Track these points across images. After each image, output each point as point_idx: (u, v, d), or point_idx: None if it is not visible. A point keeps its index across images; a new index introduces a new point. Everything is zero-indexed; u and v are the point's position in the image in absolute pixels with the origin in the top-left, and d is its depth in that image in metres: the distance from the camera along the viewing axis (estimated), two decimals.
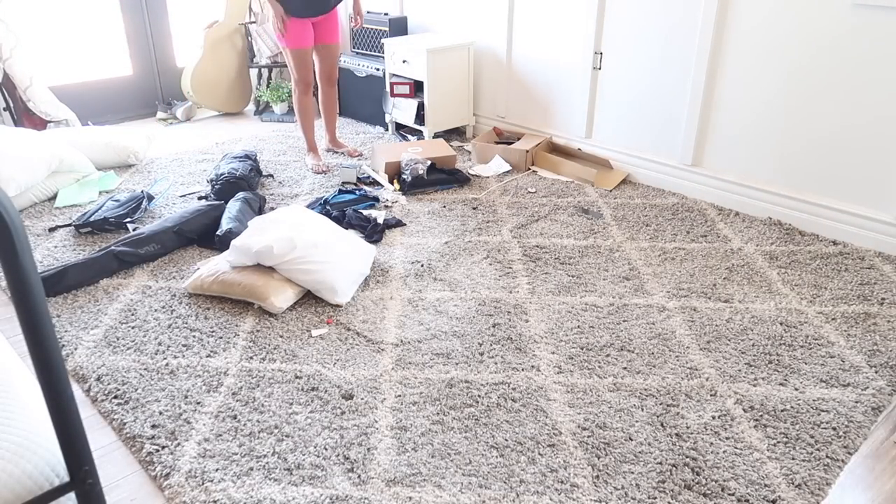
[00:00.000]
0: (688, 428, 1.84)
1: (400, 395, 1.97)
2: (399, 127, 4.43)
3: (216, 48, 4.75)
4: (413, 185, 3.41)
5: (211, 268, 2.49)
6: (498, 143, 3.95)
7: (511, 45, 3.95)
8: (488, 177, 3.64)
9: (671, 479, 1.67)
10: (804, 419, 1.87)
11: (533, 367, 2.10)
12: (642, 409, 1.91)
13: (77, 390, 2.03)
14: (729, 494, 1.63)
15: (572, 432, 1.83)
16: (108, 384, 2.02)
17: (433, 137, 4.19)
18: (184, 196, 3.39)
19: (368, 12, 4.54)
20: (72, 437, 1.03)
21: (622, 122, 3.56)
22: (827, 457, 1.74)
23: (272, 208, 3.19)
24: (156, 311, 2.40)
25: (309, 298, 2.47)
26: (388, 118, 4.36)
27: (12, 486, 1.06)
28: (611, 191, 3.42)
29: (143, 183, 3.58)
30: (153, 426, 1.86)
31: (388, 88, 4.26)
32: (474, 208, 3.25)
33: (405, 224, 3.08)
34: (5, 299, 2.52)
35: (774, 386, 2.00)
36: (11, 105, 4.06)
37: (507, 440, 1.80)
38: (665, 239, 2.92)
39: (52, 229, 3.02)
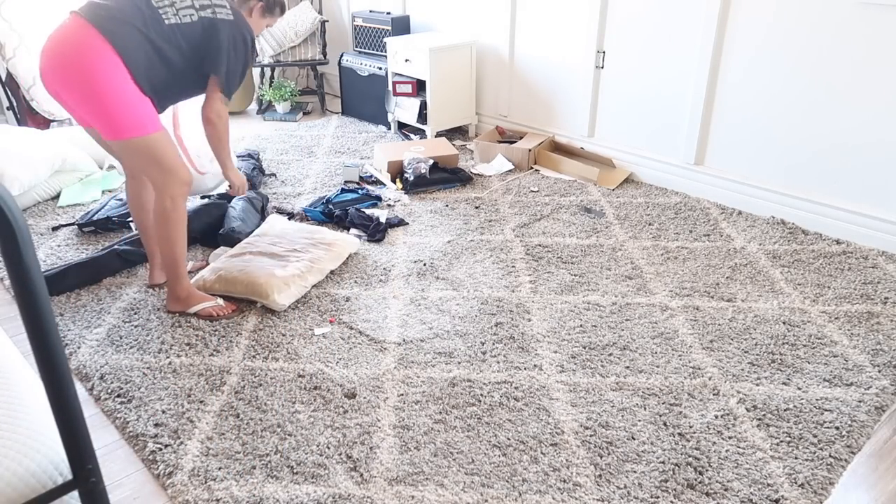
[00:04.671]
0: (690, 427, 1.84)
1: (402, 394, 1.97)
2: (401, 126, 4.43)
3: None
4: (415, 184, 3.41)
5: (213, 266, 2.49)
6: (500, 142, 3.95)
7: (513, 44, 3.95)
8: (491, 176, 3.64)
9: (674, 478, 1.67)
10: (807, 419, 1.86)
11: (535, 366, 2.10)
12: (645, 409, 1.91)
13: (80, 389, 2.04)
14: (732, 494, 1.63)
15: (575, 431, 1.83)
16: (111, 383, 2.03)
17: (436, 136, 4.19)
18: None
19: (371, 11, 4.54)
20: (75, 435, 1.03)
21: (625, 121, 3.55)
22: (830, 456, 1.74)
23: (275, 207, 3.19)
24: (158, 309, 2.41)
25: (312, 297, 2.47)
26: (390, 117, 4.36)
27: (15, 485, 1.07)
28: (613, 190, 3.42)
29: None
30: (156, 425, 1.86)
31: (390, 87, 4.26)
32: (477, 207, 3.24)
33: (408, 223, 3.08)
34: (8, 298, 2.53)
35: (777, 385, 2.00)
36: (15, 104, 4.07)
37: (509, 439, 1.80)
38: (668, 238, 2.92)
39: (55, 228, 3.02)
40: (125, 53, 2.04)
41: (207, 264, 2.65)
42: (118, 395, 1.98)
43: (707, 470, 1.70)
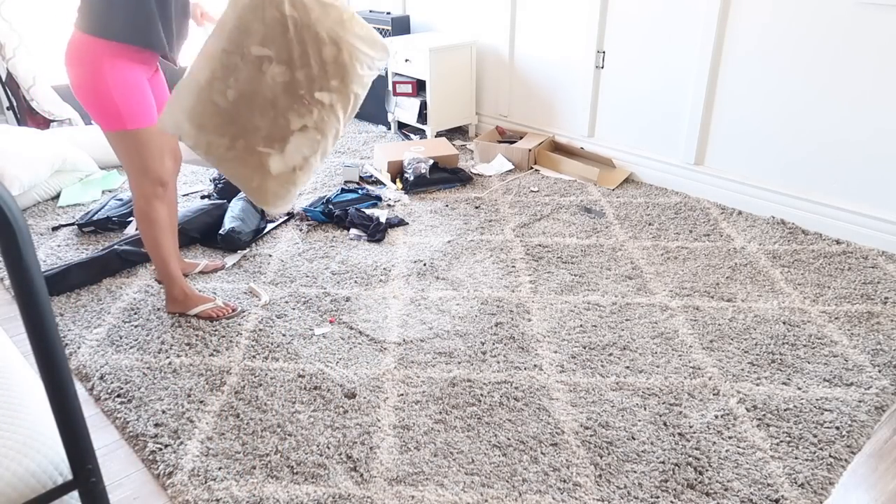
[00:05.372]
0: (690, 427, 1.84)
1: (402, 394, 1.97)
2: (401, 126, 4.43)
3: None
4: (415, 184, 3.41)
5: (188, 110, 1.88)
6: (500, 142, 3.95)
7: (514, 44, 3.95)
8: (491, 176, 3.64)
9: (674, 478, 1.67)
10: (807, 418, 1.86)
11: (535, 366, 2.10)
12: (645, 409, 1.91)
13: (80, 389, 2.04)
14: (732, 494, 1.63)
15: (575, 431, 1.83)
16: (112, 383, 2.03)
17: (436, 136, 4.19)
18: (186, 195, 3.39)
19: (371, 11, 4.54)
20: (75, 435, 1.03)
21: (625, 121, 3.55)
22: (830, 456, 1.74)
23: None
24: (158, 309, 2.41)
25: (312, 297, 2.47)
26: (390, 117, 4.36)
27: (15, 485, 1.07)
28: (613, 190, 3.42)
29: None
30: (156, 425, 1.86)
31: (390, 87, 4.26)
32: (477, 207, 3.24)
33: (408, 223, 3.08)
34: (9, 298, 2.53)
35: (777, 385, 2.00)
36: (15, 104, 4.07)
37: (509, 439, 1.80)
38: (668, 238, 2.92)
39: (55, 228, 3.02)
40: (122, 35, 2.04)
41: (224, 266, 2.66)
42: (118, 395, 1.98)
43: (707, 470, 1.70)
